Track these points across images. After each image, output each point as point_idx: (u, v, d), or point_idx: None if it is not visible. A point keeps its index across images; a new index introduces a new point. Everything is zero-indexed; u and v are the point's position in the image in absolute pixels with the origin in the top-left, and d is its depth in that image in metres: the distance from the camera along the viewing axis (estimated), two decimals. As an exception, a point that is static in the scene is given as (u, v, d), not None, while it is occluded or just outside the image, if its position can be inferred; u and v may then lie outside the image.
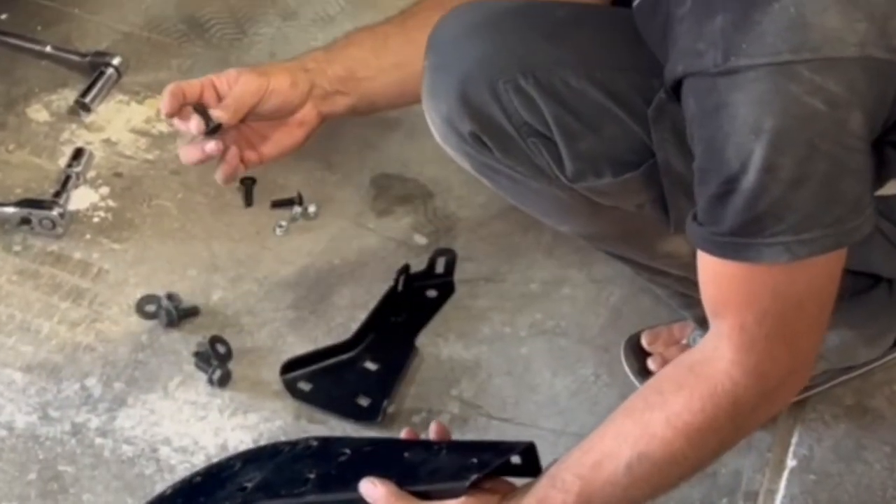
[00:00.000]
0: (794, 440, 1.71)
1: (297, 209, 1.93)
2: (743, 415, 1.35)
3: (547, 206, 1.52)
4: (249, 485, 1.51)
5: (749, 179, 1.22)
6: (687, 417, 1.34)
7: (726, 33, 1.21)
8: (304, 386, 1.73)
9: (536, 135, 1.43)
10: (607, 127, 1.41)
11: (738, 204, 1.24)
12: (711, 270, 1.32)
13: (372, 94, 1.70)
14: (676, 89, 1.30)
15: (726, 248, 1.28)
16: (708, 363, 1.34)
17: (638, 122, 1.40)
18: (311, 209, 1.93)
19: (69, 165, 1.96)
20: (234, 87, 1.63)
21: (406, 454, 1.48)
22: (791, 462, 1.69)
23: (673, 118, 1.35)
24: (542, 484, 1.40)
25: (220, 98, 1.63)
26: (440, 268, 1.86)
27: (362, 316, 1.80)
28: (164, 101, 1.60)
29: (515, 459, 1.43)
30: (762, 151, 1.20)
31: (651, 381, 1.42)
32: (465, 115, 1.44)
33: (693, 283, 1.58)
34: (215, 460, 1.64)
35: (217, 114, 1.60)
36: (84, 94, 2.05)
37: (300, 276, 1.87)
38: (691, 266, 1.41)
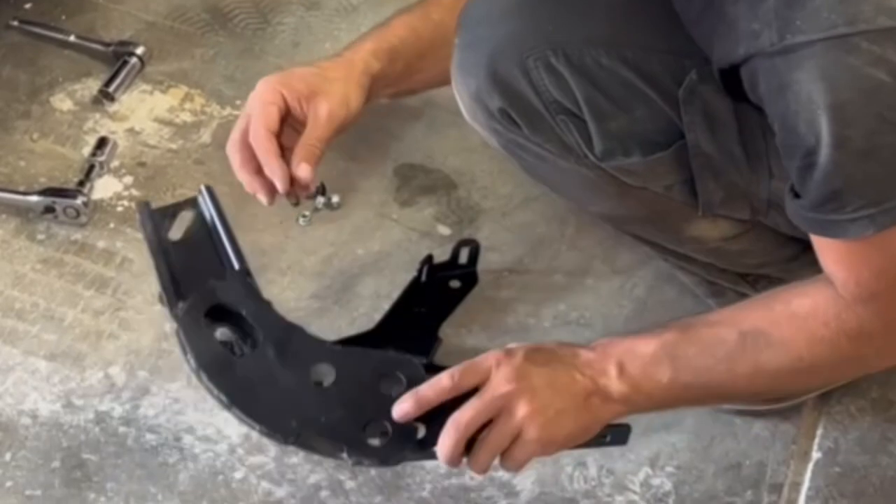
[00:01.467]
0: (819, 432, 1.70)
1: (321, 199, 1.92)
2: (865, 344, 1.32)
3: (574, 185, 1.51)
4: None
5: (823, 154, 1.20)
6: (812, 323, 1.31)
7: (779, 11, 1.21)
8: (328, 375, 1.73)
9: (566, 112, 1.43)
10: (638, 107, 1.41)
11: (818, 178, 1.23)
12: (814, 239, 1.31)
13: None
14: (734, 71, 1.29)
15: (814, 225, 1.27)
16: (831, 294, 1.31)
17: (668, 102, 1.40)
18: (335, 199, 1.93)
19: (93, 154, 1.96)
20: (314, 132, 1.63)
21: None
22: (816, 454, 1.69)
23: (704, 100, 1.35)
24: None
25: (289, 111, 1.63)
26: (464, 258, 1.85)
27: (385, 306, 1.79)
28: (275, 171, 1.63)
29: None
30: (829, 127, 1.19)
31: (772, 290, 1.39)
32: (494, 91, 1.44)
33: (719, 270, 1.57)
34: (239, 449, 1.65)
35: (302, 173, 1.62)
36: (108, 83, 2.05)
37: (323, 266, 1.87)
38: (718, 252, 1.40)
